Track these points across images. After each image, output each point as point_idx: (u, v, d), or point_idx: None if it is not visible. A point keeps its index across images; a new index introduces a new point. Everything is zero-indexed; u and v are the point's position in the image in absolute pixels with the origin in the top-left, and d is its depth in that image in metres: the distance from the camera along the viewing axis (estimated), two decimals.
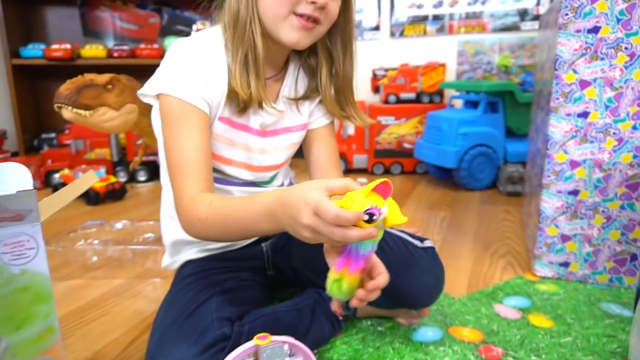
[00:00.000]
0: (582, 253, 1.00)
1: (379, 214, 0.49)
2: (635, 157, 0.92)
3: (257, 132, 0.77)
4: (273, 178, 0.85)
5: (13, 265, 0.57)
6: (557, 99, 0.95)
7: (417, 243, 0.80)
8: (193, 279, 0.76)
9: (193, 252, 0.82)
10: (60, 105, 1.07)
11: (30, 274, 0.59)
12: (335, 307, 0.64)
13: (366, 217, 0.49)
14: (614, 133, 0.93)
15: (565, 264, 1.02)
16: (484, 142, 1.84)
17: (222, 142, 0.75)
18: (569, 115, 0.95)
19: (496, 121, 1.87)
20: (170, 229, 0.82)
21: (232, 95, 0.71)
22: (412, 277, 0.75)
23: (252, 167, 0.79)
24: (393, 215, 0.51)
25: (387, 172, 2.20)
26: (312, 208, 0.50)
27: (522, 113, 1.86)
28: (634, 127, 0.91)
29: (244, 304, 0.73)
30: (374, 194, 0.50)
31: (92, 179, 0.65)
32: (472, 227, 1.42)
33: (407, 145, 2.16)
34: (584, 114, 0.94)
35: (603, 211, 0.97)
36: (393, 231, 0.83)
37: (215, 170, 0.77)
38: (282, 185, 0.87)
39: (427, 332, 0.82)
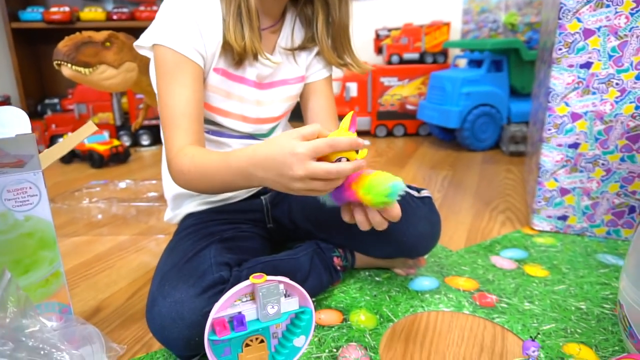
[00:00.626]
0: (581, 206, 1.00)
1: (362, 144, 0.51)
2: (637, 108, 0.91)
3: (253, 83, 0.77)
4: (271, 131, 0.85)
5: (17, 212, 0.59)
6: (560, 49, 0.93)
7: (414, 193, 0.81)
8: (193, 229, 0.77)
9: (194, 205, 0.83)
10: (59, 62, 1.07)
11: (35, 220, 0.60)
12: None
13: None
14: (617, 84, 0.91)
15: (564, 218, 1.02)
16: (488, 102, 1.81)
17: (218, 93, 0.74)
18: (571, 66, 0.93)
19: (500, 80, 1.83)
20: (171, 183, 0.83)
21: (227, 47, 0.70)
22: (408, 225, 0.76)
23: (249, 120, 0.79)
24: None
25: (389, 134, 2.19)
26: (303, 155, 0.49)
27: (527, 71, 1.82)
28: (637, 77, 0.90)
29: (242, 252, 0.75)
30: (347, 130, 0.51)
31: (90, 128, 0.66)
32: (472, 185, 1.42)
33: (410, 107, 2.14)
34: (587, 65, 0.92)
35: (603, 164, 0.96)
36: None
37: (212, 122, 0.78)
38: None
39: (424, 282, 0.84)
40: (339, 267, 0.83)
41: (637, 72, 0.89)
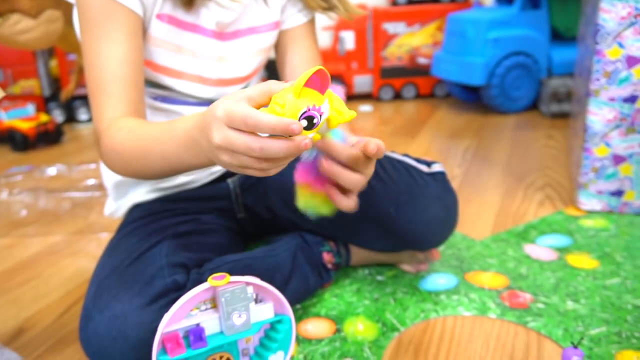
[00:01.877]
0: None
1: (320, 116, 0.45)
2: None
3: (212, 33, 0.75)
4: None
5: None
6: None
7: (423, 168, 0.80)
8: (140, 223, 0.76)
9: (142, 194, 0.83)
10: None
11: None
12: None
13: (305, 123, 0.45)
14: None
15: (618, 193, 1.02)
16: (522, 50, 1.80)
17: (166, 47, 0.73)
18: None
19: (538, 20, 1.82)
20: None
21: None
22: (416, 208, 0.75)
23: (208, 81, 0.78)
24: (338, 111, 0.47)
25: (397, 96, 2.18)
26: (218, 120, 0.46)
27: (573, 7, 1.81)
28: None
29: (204, 250, 0.74)
30: (308, 90, 0.44)
31: None
32: (502, 156, 1.42)
33: (422, 61, 2.12)
34: None
35: None
36: (394, 154, 0.82)
37: (160, 86, 0.76)
38: None
39: (438, 280, 0.84)
40: (330, 265, 0.83)
41: None
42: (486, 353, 0.67)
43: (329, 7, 0.80)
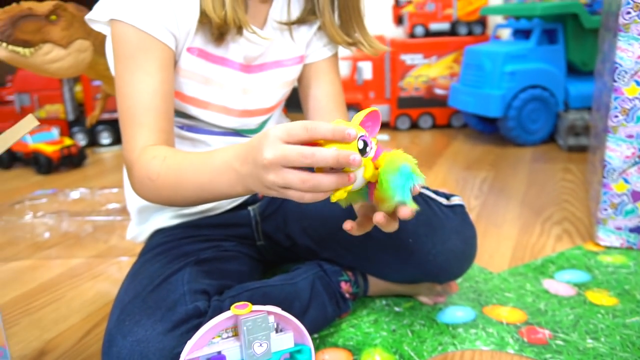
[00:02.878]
0: None
1: (371, 147, 0.49)
2: None
3: (239, 66, 0.77)
4: (262, 126, 0.85)
5: None
6: (629, 12, 0.93)
7: (443, 200, 0.81)
8: (162, 249, 0.78)
9: (164, 219, 0.84)
10: None
11: None
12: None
13: (361, 145, 0.48)
14: None
15: (637, 230, 1.02)
16: (539, 83, 1.81)
17: (194, 79, 0.75)
18: None
19: (555, 55, 1.83)
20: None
21: (204, 20, 0.71)
22: (435, 240, 0.76)
23: (233, 112, 0.80)
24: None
25: (414, 126, 2.19)
26: (274, 136, 0.49)
27: (590, 43, 1.82)
28: None
29: (224, 277, 0.75)
30: (361, 128, 0.49)
31: (30, 123, 0.66)
32: (520, 189, 1.42)
33: (439, 91, 2.14)
34: None
35: None
36: None
37: (187, 116, 0.78)
38: None
39: (456, 313, 0.84)
40: (347, 295, 0.83)
41: None
42: None
43: (353, 43, 0.82)
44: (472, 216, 1.21)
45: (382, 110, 2.19)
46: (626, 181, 1.00)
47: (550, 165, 1.63)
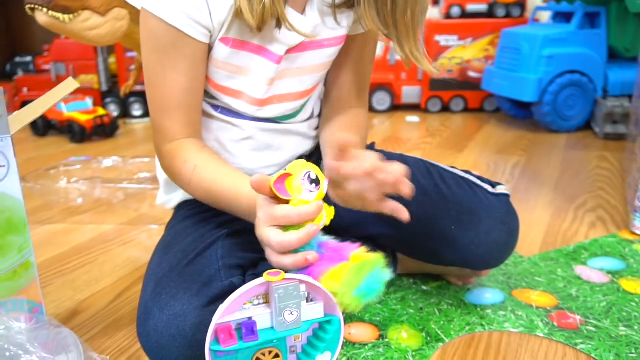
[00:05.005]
0: None
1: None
2: None
3: (277, 58, 0.72)
4: (299, 111, 0.81)
5: None
6: None
7: (488, 188, 0.78)
8: (192, 221, 0.77)
9: None
10: (32, 6, 1.09)
11: (1, 197, 0.62)
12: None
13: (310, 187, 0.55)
14: None
15: None
16: (577, 68, 1.77)
17: (226, 69, 0.72)
18: None
19: (595, 39, 1.78)
20: None
21: (240, 13, 0.68)
22: (478, 230, 0.73)
23: (266, 101, 0.75)
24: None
25: (445, 108, 2.16)
26: (259, 220, 0.57)
27: (633, 28, 1.76)
28: None
29: (257, 250, 0.75)
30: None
31: (70, 86, 0.67)
32: (553, 175, 1.39)
33: (473, 74, 2.10)
34: None
35: None
36: (456, 170, 0.81)
37: (219, 101, 0.76)
38: (311, 117, 0.84)
39: (485, 294, 0.83)
40: None
41: None
42: None
43: (404, 54, 0.71)
44: None
45: (414, 91, 2.17)
46: None
47: (585, 152, 1.59)
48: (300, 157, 0.82)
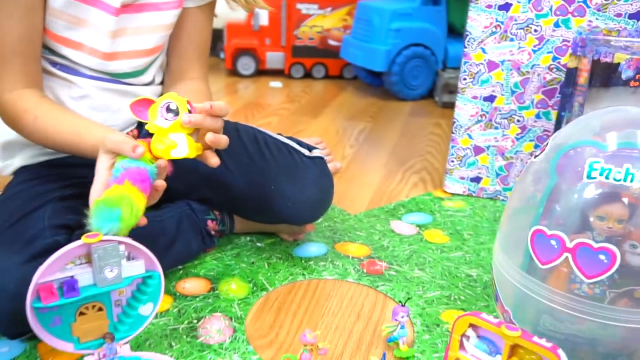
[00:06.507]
0: (495, 167, 1.15)
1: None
2: (554, 59, 1.05)
3: (114, 10, 0.77)
4: (141, 72, 0.86)
5: None
6: None
7: (305, 151, 0.89)
8: (25, 186, 0.79)
9: (29, 157, 0.84)
10: None
11: None
12: None
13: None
14: (535, 30, 1.04)
15: (477, 179, 1.17)
16: (421, 42, 1.93)
17: (64, 20, 0.74)
18: (489, 7, 1.05)
19: (437, 16, 1.95)
20: (1, 127, 0.84)
21: None
22: (294, 188, 0.84)
23: (107, 55, 0.80)
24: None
25: (307, 75, 2.26)
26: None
27: (468, 6, 1.95)
28: (556, 24, 1.03)
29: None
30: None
31: None
32: (392, 140, 1.55)
33: (332, 43, 2.21)
34: (506, 6, 1.04)
35: (518, 120, 1.11)
36: (280, 137, 0.90)
37: (58, 54, 0.78)
38: (152, 82, 0.89)
39: (311, 248, 0.94)
40: (213, 232, 0.90)
41: (555, 19, 1.03)
42: (338, 310, 0.78)
43: None
44: (344, 164, 1.32)
45: (277, 57, 2.23)
46: (470, 137, 1.14)
47: (424, 119, 1.77)
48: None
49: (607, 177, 0.60)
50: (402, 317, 0.69)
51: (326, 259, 0.91)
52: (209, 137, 0.64)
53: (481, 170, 1.16)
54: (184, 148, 0.63)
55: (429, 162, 1.38)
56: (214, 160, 0.68)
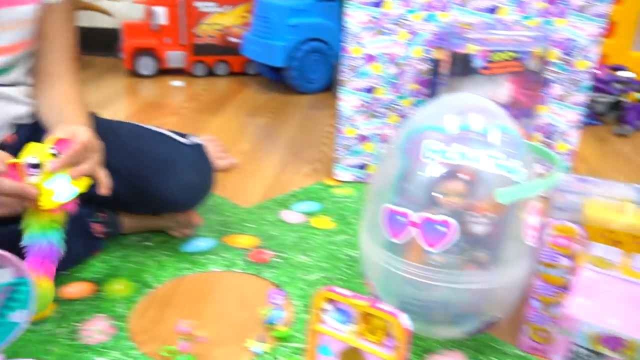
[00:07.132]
0: (379, 155, 1.22)
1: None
2: (427, 51, 1.12)
3: None
4: (5, 70, 0.84)
5: None
6: None
7: (180, 139, 0.91)
8: None
9: None
10: None
11: None
12: None
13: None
14: (408, 25, 1.11)
15: (363, 167, 1.23)
16: (318, 36, 1.98)
17: None
18: (365, 4, 1.11)
19: (332, 11, 2.01)
20: None
21: None
22: (171, 174, 0.86)
23: None
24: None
25: (210, 73, 2.25)
26: None
27: None
28: (426, 19, 1.10)
29: None
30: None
31: None
32: (289, 134, 1.59)
33: (233, 40, 2.21)
34: (377, 3, 1.10)
35: (398, 109, 1.18)
36: (157, 129, 0.93)
37: None
38: (17, 83, 0.87)
39: (199, 243, 0.96)
40: (101, 235, 0.90)
41: (425, 14, 1.10)
42: (223, 300, 0.82)
43: None
44: (242, 160, 1.35)
45: (178, 56, 2.21)
46: (354, 126, 1.20)
47: (322, 112, 1.83)
48: (16, 121, 0.85)
49: (444, 157, 0.66)
50: (276, 299, 0.73)
51: (215, 252, 0.93)
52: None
53: (367, 157, 1.23)
54: (65, 189, 0.67)
55: (324, 153, 1.43)
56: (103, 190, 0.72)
